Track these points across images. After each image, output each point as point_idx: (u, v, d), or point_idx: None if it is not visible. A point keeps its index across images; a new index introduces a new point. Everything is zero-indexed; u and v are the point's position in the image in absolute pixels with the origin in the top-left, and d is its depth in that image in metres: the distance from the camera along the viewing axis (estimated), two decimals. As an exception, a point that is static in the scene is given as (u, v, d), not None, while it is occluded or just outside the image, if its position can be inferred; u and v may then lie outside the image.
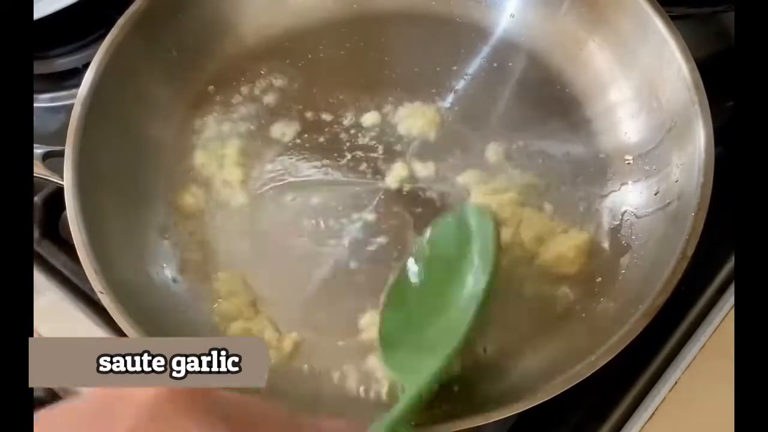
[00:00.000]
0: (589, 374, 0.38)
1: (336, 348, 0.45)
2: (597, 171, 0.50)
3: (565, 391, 0.38)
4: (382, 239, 0.49)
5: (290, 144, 0.52)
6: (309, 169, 0.51)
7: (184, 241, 0.49)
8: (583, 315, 0.45)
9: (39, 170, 0.46)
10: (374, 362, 0.44)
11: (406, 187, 0.50)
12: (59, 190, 0.45)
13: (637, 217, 0.48)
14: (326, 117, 0.53)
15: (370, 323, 0.45)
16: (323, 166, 0.51)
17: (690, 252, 0.41)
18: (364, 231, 0.49)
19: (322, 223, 0.49)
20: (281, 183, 0.51)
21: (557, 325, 0.45)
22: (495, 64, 0.54)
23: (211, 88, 0.54)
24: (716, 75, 0.45)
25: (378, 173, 0.51)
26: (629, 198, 0.49)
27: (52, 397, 0.48)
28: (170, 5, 0.52)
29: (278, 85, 0.54)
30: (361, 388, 0.44)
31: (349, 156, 0.52)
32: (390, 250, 0.48)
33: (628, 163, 0.50)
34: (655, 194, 0.48)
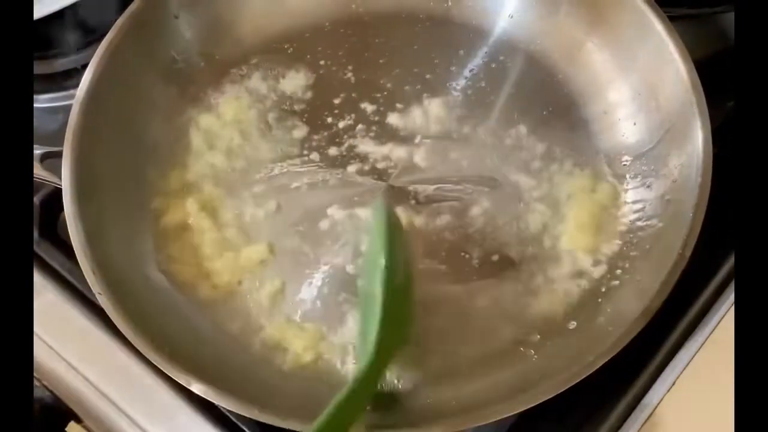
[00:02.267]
0: (588, 374, 0.38)
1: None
2: (595, 171, 0.50)
3: (565, 391, 0.38)
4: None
5: (290, 144, 0.52)
6: (309, 169, 0.51)
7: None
8: (583, 315, 0.45)
9: (37, 171, 0.46)
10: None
11: (407, 187, 0.50)
12: (57, 191, 0.45)
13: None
14: (325, 117, 0.53)
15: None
16: (324, 165, 0.51)
17: (689, 252, 0.41)
18: (363, 232, 0.49)
19: (321, 225, 0.49)
20: (281, 183, 0.51)
21: (556, 326, 0.45)
22: (493, 65, 0.54)
23: (210, 88, 0.54)
24: (715, 75, 0.46)
25: (378, 173, 0.51)
26: (628, 198, 0.49)
27: (52, 397, 0.48)
28: (169, 6, 0.52)
29: (277, 86, 0.54)
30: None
31: (348, 156, 0.52)
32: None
33: (626, 164, 0.50)
34: (654, 195, 0.48)
